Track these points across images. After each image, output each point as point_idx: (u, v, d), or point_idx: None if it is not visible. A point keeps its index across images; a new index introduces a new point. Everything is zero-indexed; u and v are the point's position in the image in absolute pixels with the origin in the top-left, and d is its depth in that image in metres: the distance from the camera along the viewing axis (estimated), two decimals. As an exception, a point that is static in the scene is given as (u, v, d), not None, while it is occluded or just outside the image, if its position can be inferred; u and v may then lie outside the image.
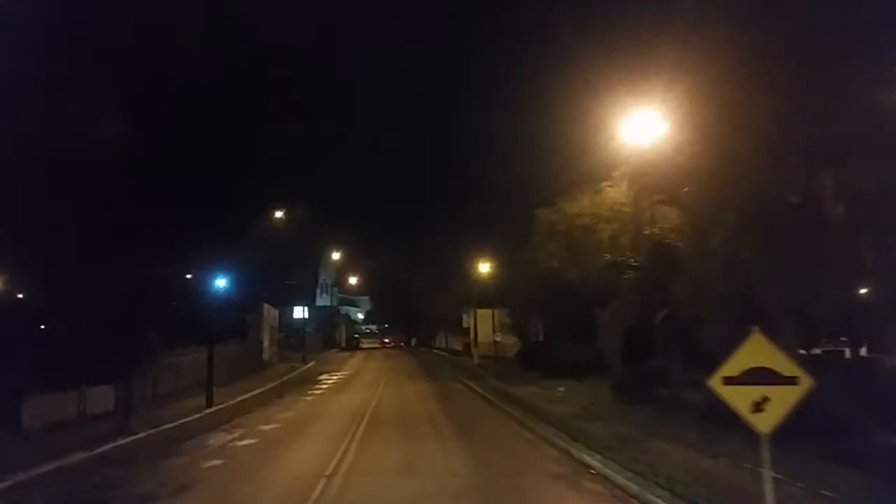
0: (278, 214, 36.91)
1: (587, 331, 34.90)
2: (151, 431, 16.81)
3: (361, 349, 75.42)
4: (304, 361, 43.98)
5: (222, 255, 28.76)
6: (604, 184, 26.94)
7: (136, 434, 16.14)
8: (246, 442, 15.47)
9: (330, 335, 78.04)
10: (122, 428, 16.41)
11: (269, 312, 44.06)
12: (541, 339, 39.48)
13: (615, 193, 26.73)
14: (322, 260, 76.38)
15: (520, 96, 40.90)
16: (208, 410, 21.91)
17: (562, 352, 31.31)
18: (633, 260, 22.59)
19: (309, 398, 25.49)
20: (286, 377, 34.61)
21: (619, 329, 24.37)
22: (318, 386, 30.42)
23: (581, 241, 28.81)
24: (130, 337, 18.58)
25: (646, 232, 22.28)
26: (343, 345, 77.58)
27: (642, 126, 19.28)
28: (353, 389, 28.43)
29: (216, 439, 16.10)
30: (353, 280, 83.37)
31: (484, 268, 47.53)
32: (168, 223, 20.48)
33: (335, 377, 35.06)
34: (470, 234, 49.96)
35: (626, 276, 22.30)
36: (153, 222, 19.17)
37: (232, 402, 24.17)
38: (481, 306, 47.51)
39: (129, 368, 19.03)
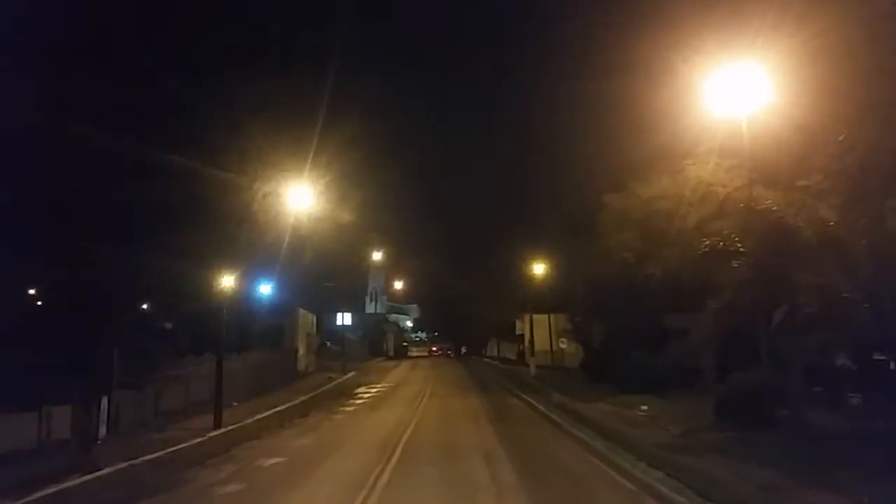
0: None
1: (658, 337, 30.32)
2: (120, 467, 12.87)
3: (409, 357, 71.94)
4: (344, 371, 40.09)
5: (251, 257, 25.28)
6: (685, 161, 22.50)
7: (96, 471, 12.23)
8: (229, 489, 11.27)
9: (377, 343, 74.68)
10: (79, 462, 12.53)
11: (306, 318, 40.38)
12: (604, 346, 34.67)
13: (700, 172, 22.32)
14: (371, 267, 73.24)
15: (579, 63, 35.15)
16: (213, 433, 18.04)
17: (637, 361, 26.56)
18: (740, 246, 17.85)
19: (337, 416, 21.41)
20: (320, 389, 30.72)
21: (715, 333, 19.52)
22: (352, 401, 26.35)
23: (660, 229, 24.24)
24: (87, 346, 14.74)
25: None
26: (391, 353, 74.70)
27: (736, 92, 15.79)
28: (392, 405, 24.26)
29: (197, 481, 12.04)
30: (398, 285, 79.53)
31: (539, 269, 42.87)
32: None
33: (374, 390, 30.98)
34: (523, 231, 45.54)
35: (735, 265, 17.50)
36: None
37: (247, 421, 20.29)
38: (537, 311, 42.85)
39: (87, 383, 15.19)
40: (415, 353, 77.53)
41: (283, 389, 30.26)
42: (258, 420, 20.75)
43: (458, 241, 59.35)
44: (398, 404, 24.43)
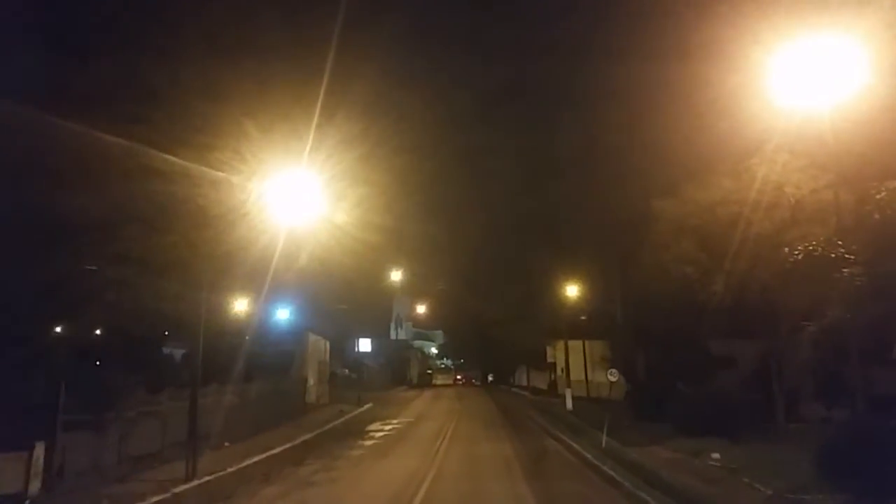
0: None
1: (703, 367, 26.61)
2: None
3: (433, 386, 68.22)
4: (359, 403, 36.37)
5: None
6: (751, 161, 19.21)
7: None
8: None
9: (400, 371, 71.10)
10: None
11: (317, 344, 36.84)
12: (650, 376, 30.61)
13: (767, 172, 19.00)
14: (395, 292, 69.90)
15: (625, 45, 29.50)
16: (183, 487, 14.52)
17: (695, 395, 22.62)
18: (845, 254, 14.08)
19: (338, 465, 17.69)
20: (327, 426, 27.09)
21: (809, 359, 15.59)
22: (360, 442, 22.60)
23: (723, 239, 20.67)
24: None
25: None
26: (414, 381, 71.17)
27: (817, 78, 13.06)
28: (405, 450, 20.49)
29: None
30: (420, 309, 75.98)
31: (572, 291, 39.04)
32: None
33: (388, 427, 27.20)
34: (556, 250, 41.63)
35: (845, 272, 13.70)
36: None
37: (229, 469, 16.76)
38: (571, 337, 38.84)
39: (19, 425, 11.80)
40: (439, 382, 74.12)
41: (287, 425, 26.72)
42: (244, 468, 17.17)
43: (484, 262, 55.25)
44: (413, 449, 20.64)
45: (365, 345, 56.87)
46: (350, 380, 48.92)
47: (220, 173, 17.29)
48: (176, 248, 15.28)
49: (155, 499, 13.28)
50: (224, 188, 15.62)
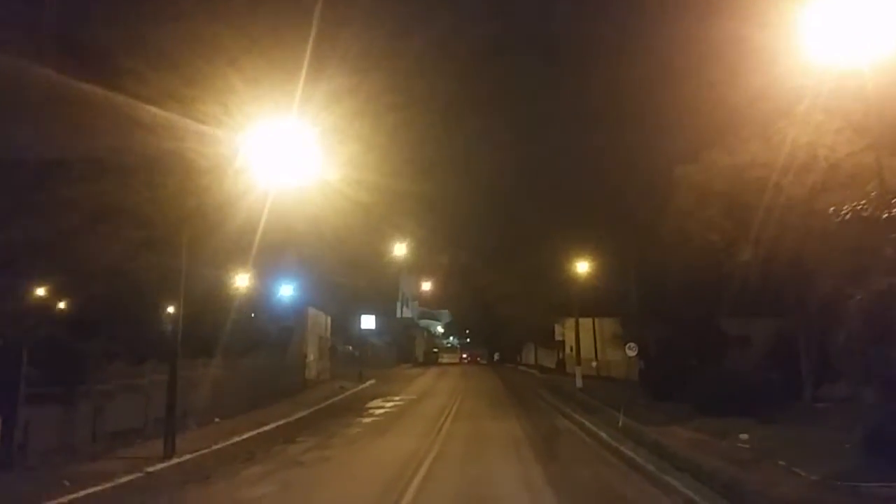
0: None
1: (716, 344, 25.35)
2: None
3: (439, 364, 67.19)
4: (361, 380, 35.08)
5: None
6: (782, 123, 17.46)
7: None
8: None
9: (406, 349, 70.10)
10: None
11: (317, 319, 35.47)
12: (662, 354, 29.13)
13: (798, 134, 17.19)
14: (401, 270, 68.46)
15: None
16: (159, 466, 13.18)
17: (719, 372, 21.23)
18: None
19: (332, 443, 16.30)
20: (326, 402, 25.85)
21: (865, 331, 13.97)
22: (359, 419, 21.24)
23: (752, 204, 19.16)
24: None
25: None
26: (420, 360, 70.28)
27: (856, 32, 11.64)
28: (406, 428, 19.13)
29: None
30: (426, 286, 74.36)
31: (583, 267, 37.33)
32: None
33: (390, 404, 25.86)
34: (565, 224, 39.68)
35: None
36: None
37: (214, 447, 15.43)
38: (581, 315, 37.28)
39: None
40: (445, 360, 73.37)
41: (284, 401, 25.48)
42: (229, 446, 15.84)
43: (491, 235, 53.07)
44: (415, 426, 19.26)
45: (368, 322, 55.42)
46: (353, 356, 47.70)
47: (205, 126, 15.77)
48: (155, 203, 13.79)
49: (125, 479, 11.97)
50: (209, 142, 14.12)
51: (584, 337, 37.40)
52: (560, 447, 15.42)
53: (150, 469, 12.82)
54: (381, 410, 23.69)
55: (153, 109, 14.91)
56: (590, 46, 31.60)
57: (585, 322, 39.12)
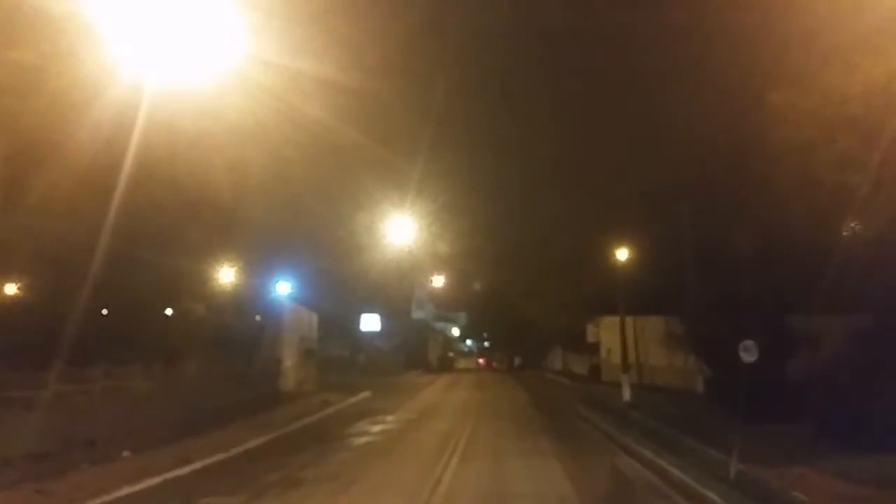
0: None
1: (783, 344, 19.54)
2: None
3: (454, 371, 60.84)
4: (352, 392, 28.54)
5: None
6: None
7: None
8: None
9: (419, 353, 63.70)
10: None
11: (297, 316, 28.94)
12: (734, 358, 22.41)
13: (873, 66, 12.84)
14: (414, 269, 62.09)
15: None
16: None
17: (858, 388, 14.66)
18: None
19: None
20: (294, 425, 19.46)
21: None
22: (328, 456, 14.65)
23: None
24: None
25: None
26: (434, 365, 64.01)
27: None
28: (388, 475, 12.53)
29: None
30: (437, 281, 67.46)
31: (622, 255, 30.76)
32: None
33: (377, 427, 19.18)
34: (601, 206, 32.73)
35: None
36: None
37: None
38: (628, 313, 30.65)
39: None
40: (462, 366, 67.14)
41: (242, 421, 19.21)
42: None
43: (515, 222, 45.77)
44: (401, 471, 12.64)
45: (371, 322, 49.06)
46: (351, 362, 41.49)
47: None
48: None
49: None
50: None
51: (619, 340, 30.63)
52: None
53: None
54: (366, 438, 17.12)
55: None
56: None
57: (625, 321, 32.40)
